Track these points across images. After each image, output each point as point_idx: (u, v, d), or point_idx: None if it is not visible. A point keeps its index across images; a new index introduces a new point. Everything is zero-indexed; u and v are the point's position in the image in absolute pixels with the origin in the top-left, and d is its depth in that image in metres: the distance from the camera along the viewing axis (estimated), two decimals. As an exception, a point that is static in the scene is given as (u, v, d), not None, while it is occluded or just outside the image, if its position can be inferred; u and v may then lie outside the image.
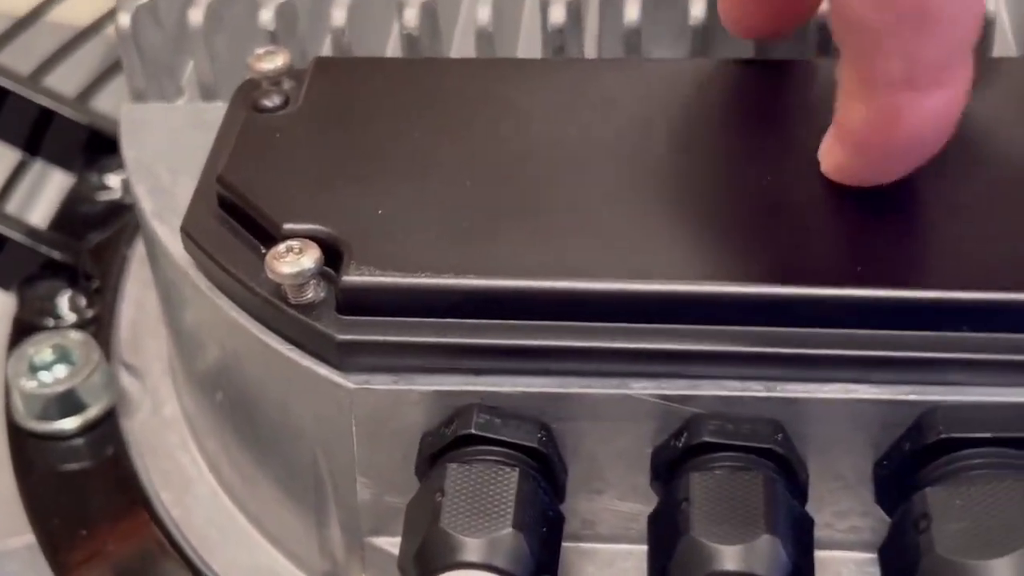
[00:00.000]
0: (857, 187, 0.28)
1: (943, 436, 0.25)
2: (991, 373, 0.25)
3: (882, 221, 0.27)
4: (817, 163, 0.28)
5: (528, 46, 0.36)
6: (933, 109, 0.26)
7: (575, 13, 0.33)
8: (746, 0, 0.31)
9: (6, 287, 0.40)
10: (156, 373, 0.37)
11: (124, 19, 0.34)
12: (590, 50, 0.35)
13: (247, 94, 0.32)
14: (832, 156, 0.28)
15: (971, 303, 0.25)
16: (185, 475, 0.35)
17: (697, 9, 0.32)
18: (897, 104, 0.26)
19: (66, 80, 0.47)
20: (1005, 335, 0.25)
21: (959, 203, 0.27)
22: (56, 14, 0.51)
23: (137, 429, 0.36)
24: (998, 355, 0.25)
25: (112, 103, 0.45)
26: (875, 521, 0.27)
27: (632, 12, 0.32)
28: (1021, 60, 0.33)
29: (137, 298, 0.39)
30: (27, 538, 0.36)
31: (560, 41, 0.33)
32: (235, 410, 0.31)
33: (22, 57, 0.47)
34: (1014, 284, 0.25)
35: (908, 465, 0.26)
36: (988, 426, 0.25)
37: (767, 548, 0.24)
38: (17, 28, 0.49)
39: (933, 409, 0.25)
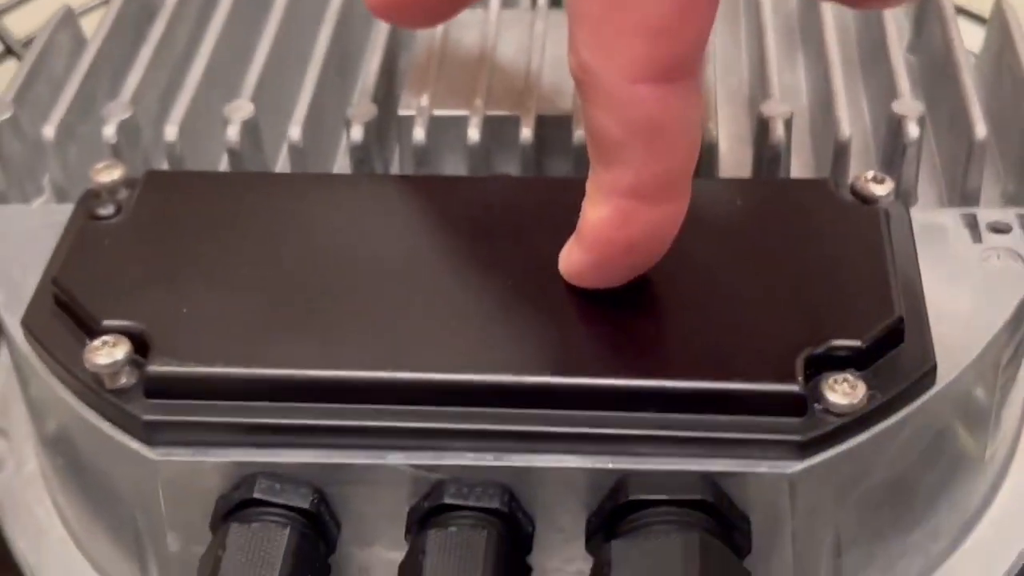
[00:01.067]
0: (586, 290, 0.33)
1: (630, 498, 0.30)
2: (669, 446, 0.31)
3: (598, 321, 0.32)
4: (556, 270, 0.34)
5: (343, 160, 0.41)
6: (656, 220, 0.31)
7: (373, 131, 0.38)
8: None
9: None
10: (22, 435, 0.41)
11: (-13, 134, 0.39)
12: (394, 165, 0.40)
13: (86, 203, 0.36)
14: (569, 259, 0.33)
15: (653, 389, 0.31)
16: (40, 526, 0.39)
17: (473, 132, 0.38)
18: (626, 211, 0.31)
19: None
20: (681, 416, 0.31)
21: (664, 305, 0.33)
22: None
23: (2, 486, 0.40)
24: (675, 432, 0.30)
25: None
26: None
27: (419, 134, 0.38)
28: (732, 181, 0.38)
29: (7, 365, 0.43)
30: None
31: (361, 155, 0.38)
32: (72, 473, 0.36)
33: None
34: (684, 373, 0.31)
35: (606, 522, 0.31)
36: (665, 490, 0.30)
37: (484, 594, 0.30)
38: None
39: (625, 476, 0.31)
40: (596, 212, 0.31)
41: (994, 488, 0.37)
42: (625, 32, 0.29)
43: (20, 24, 0.55)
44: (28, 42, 0.54)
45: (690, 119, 0.30)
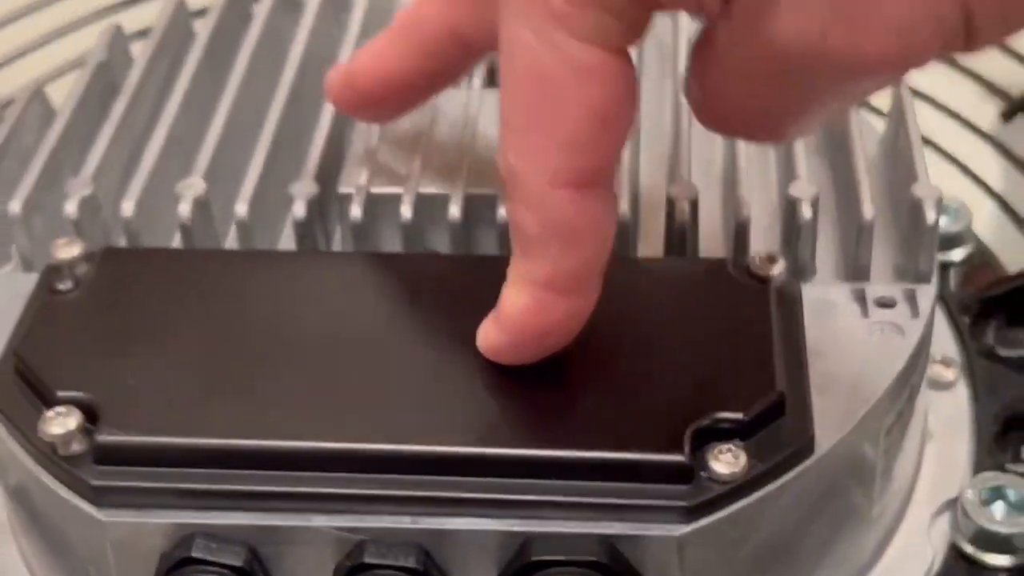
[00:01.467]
0: (501, 365, 0.36)
1: (533, 559, 0.33)
2: (570, 511, 0.33)
3: (509, 394, 0.35)
4: (475, 345, 0.37)
5: (289, 232, 0.43)
6: (568, 310, 0.34)
7: (315, 208, 0.41)
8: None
9: None
10: (-9, 483, 0.45)
11: (-43, 208, 0.42)
12: (336, 239, 0.43)
13: (47, 278, 0.39)
14: (487, 337, 0.36)
15: (556, 459, 0.34)
16: (5, 570, 0.42)
17: (406, 210, 0.41)
18: (540, 300, 0.34)
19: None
20: (581, 483, 0.34)
21: (568, 380, 0.35)
22: None
23: (-26, 531, 0.44)
24: (575, 497, 0.33)
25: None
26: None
27: (356, 211, 0.41)
28: (637, 260, 0.41)
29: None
30: None
31: (303, 231, 0.41)
32: (32, 525, 0.39)
33: None
34: (584, 444, 0.34)
35: (513, 581, 0.34)
36: (565, 551, 0.33)
37: (398, 651, 0.33)
38: None
39: (529, 538, 0.34)
40: (515, 299, 0.34)
41: (884, 542, 0.40)
42: (547, 144, 0.32)
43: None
44: (4, 105, 0.57)
45: (605, 220, 0.33)
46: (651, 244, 0.42)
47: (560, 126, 0.32)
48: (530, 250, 0.34)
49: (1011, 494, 0.40)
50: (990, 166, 0.54)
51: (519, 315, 0.34)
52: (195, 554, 0.34)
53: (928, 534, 0.40)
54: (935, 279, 0.40)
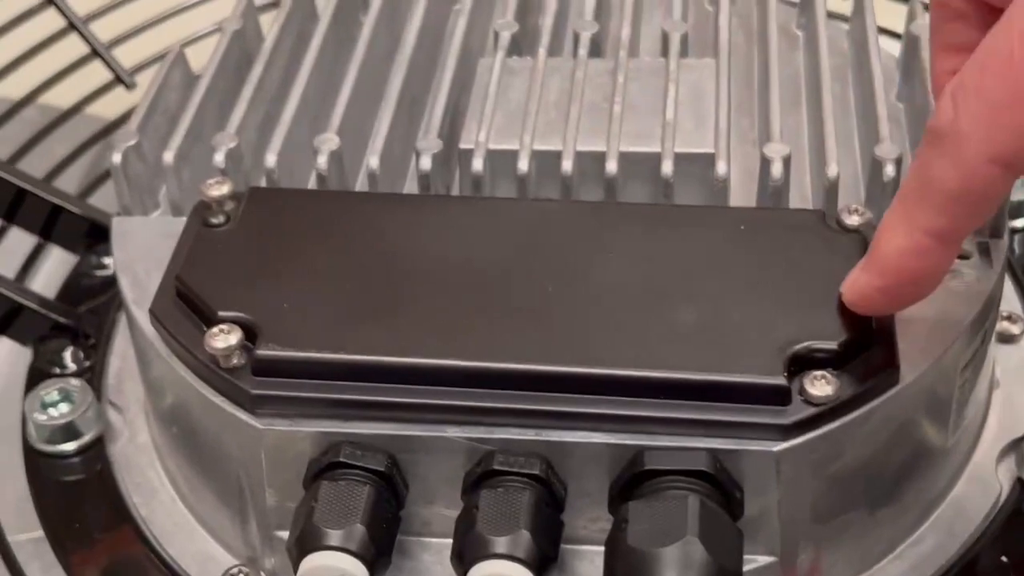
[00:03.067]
0: (611, 297, 0.40)
1: (645, 468, 0.37)
2: (678, 427, 0.37)
3: (624, 322, 0.39)
4: (587, 278, 0.41)
5: (412, 184, 0.47)
6: (939, 261, 0.36)
7: (438, 161, 0.45)
8: None
9: (24, 343, 0.52)
10: (134, 410, 0.49)
11: (116, 157, 0.45)
12: (454, 190, 0.47)
13: (200, 213, 0.44)
14: (856, 283, 0.38)
15: (667, 380, 0.37)
16: (152, 486, 0.46)
17: (522, 164, 0.45)
18: (926, 247, 0.36)
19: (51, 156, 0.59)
20: (688, 402, 0.37)
21: (680, 311, 0.39)
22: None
23: (118, 452, 0.48)
24: (683, 415, 0.37)
25: (106, 200, 0.57)
26: (614, 525, 0.39)
27: (477, 164, 0.45)
28: (741, 209, 0.44)
29: (122, 352, 0.51)
30: (37, 533, 0.46)
31: (427, 182, 0.45)
32: (185, 440, 0.43)
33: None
34: (692, 367, 0.37)
35: (625, 488, 0.38)
36: (674, 462, 0.37)
37: (524, 540, 0.36)
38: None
39: (641, 450, 0.38)
40: (895, 241, 0.36)
41: (957, 472, 0.44)
42: (1012, 125, 0.33)
43: (128, 56, 0.63)
44: (134, 72, 0.62)
45: (1004, 197, 0.36)
46: (743, 201, 0.46)
47: None
48: (934, 202, 0.35)
49: (1072, 434, 0.44)
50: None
51: (898, 257, 0.36)
52: (343, 459, 0.38)
53: (996, 469, 0.44)
54: (1006, 235, 0.43)
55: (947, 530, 0.43)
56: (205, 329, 0.40)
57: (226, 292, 0.40)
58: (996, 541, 0.43)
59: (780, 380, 0.37)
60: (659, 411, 0.38)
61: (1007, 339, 0.48)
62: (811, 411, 0.37)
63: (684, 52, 0.50)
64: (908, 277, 0.37)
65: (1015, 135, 0.33)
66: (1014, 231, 0.52)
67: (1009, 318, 0.48)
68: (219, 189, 0.44)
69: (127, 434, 0.48)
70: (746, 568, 0.38)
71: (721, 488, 0.37)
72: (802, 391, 0.37)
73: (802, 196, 0.46)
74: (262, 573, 0.43)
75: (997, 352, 0.48)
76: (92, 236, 0.54)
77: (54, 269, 0.56)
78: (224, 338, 0.39)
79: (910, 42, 0.49)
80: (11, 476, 0.48)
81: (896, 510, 0.42)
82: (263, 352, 0.39)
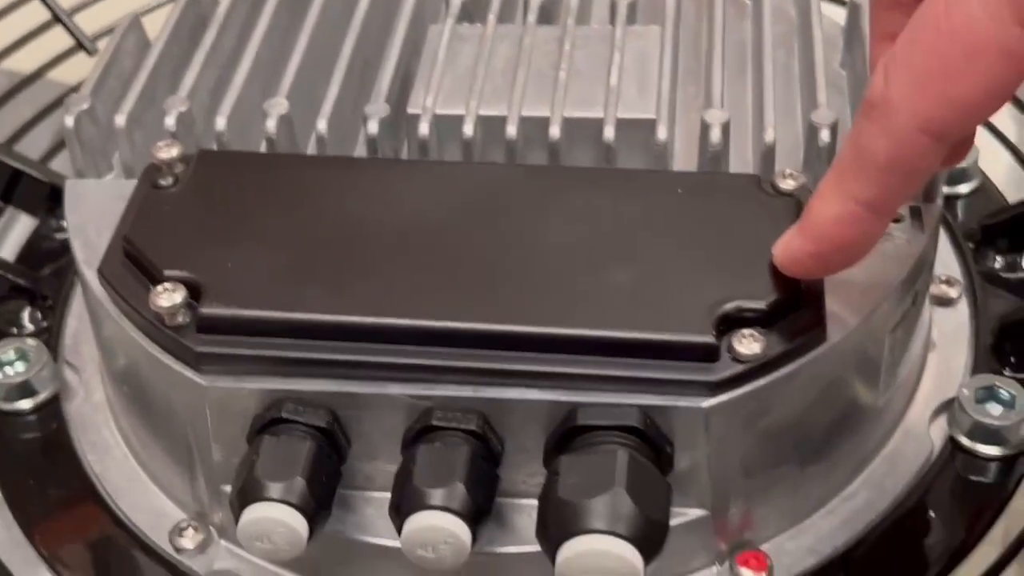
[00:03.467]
0: (552, 257, 0.41)
1: (577, 424, 0.38)
2: (611, 384, 0.38)
3: (560, 281, 0.40)
4: (529, 239, 0.42)
5: (361, 149, 0.48)
6: (870, 230, 0.37)
7: (386, 126, 0.46)
8: None
9: None
10: (90, 370, 0.50)
11: (69, 120, 0.46)
12: (403, 155, 0.48)
13: (149, 175, 0.44)
14: (789, 246, 0.38)
15: (600, 338, 0.38)
16: (106, 444, 0.47)
17: (468, 128, 0.45)
18: (856, 216, 0.36)
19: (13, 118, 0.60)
20: (621, 359, 0.38)
21: (612, 271, 0.40)
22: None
23: (74, 410, 0.49)
24: (616, 372, 0.38)
25: (67, 164, 0.57)
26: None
27: (424, 129, 0.46)
28: (679, 173, 0.45)
29: (79, 314, 0.52)
30: None
31: (375, 146, 0.46)
32: (135, 398, 0.44)
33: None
34: (624, 326, 0.38)
35: (559, 442, 0.39)
36: (606, 418, 0.38)
37: (459, 493, 0.37)
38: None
39: (575, 406, 0.39)
40: (827, 209, 0.37)
41: (890, 430, 0.45)
42: (938, 95, 0.34)
43: (89, 22, 0.63)
44: (96, 38, 0.63)
45: (936, 167, 0.36)
46: (686, 166, 0.46)
47: (964, 87, 0.34)
48: (866, 172, 0.36)
49: (1003, 394, 0.45)
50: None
51: (830, 224, 0.37)
52: (285, 415, 0.39)
53: (928, 428, 0.45)
54: (939, 199, 0.44)
55: (879, 486, 0.44)
56: (151, 288, 0.41)
57: (172, 252, 0.41)
58: (926, 497, 0.44)
59: (709, 338, 0.38)
60: (593, 368, 0.39)
61: (945, 302, 0.49)
62: (739, 368, 0.38)
63: (632, 20, 0.50)
64: (838, 244, 0.37)
65: (942, 104, 0.34)
66: (957, 197, 0.53)
67: (947, 282, 0.50)
68: (168, 152, 0.44)
69: (83, 393, 0.49)
70: (677, 521, 0.40)
71: (651, 443, 0.38)
72: (730, 349, 0.38)
73: (743, 161, 0.47)
74: (211, 527, 0.44)
75: (934, 315, 0.49)
76: (52, 200, 0.55)
77: (16, 233, 0.56)
78: (169, 296, 0.40)
79: (852, 10, 0.50)
80: (-32, 434, 0.49)
81: (827, 466, 0.43)
82: (207, 310, 0.40)
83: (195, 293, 0.40)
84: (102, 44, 0.63)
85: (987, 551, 0.44)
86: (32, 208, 0.56)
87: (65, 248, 0.54)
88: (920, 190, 0.38)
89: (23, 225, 0.57)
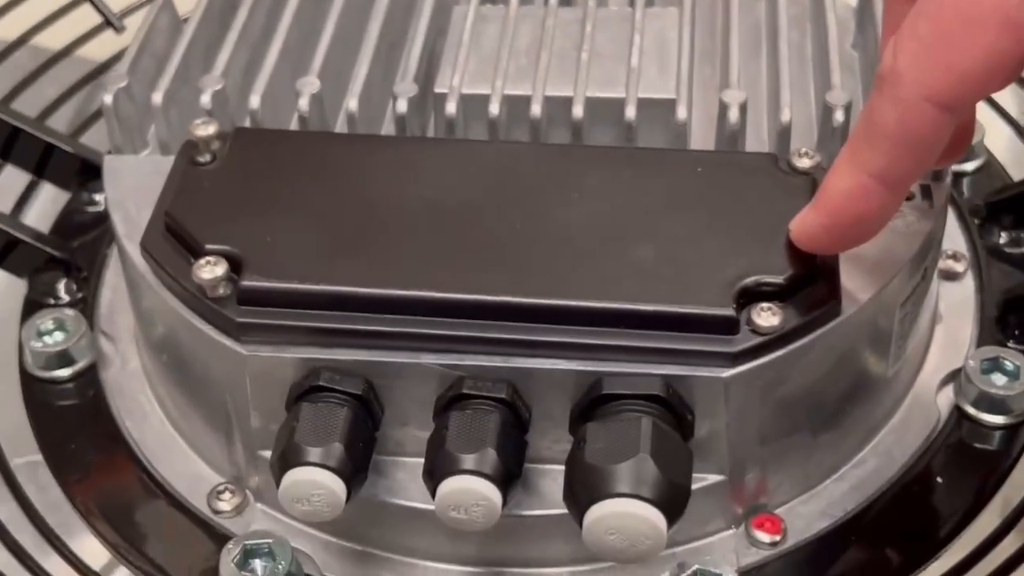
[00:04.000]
0: (577, 233, 0.43)
1: (603, 393, 0.40)
2: (635, 355, 0.40)
3: (588, 257, 0.41)
4: (556, 215, 0.43)
5: (389, 127, 0.50)
6: (884, 203, 0.38)
7: (414, 105, 0.48)
8: None
9: (20, 276, 0.54)
10: (125, 339, 0.51)
11: (108, 98, 0.48)
12: (429, 133, 0.49)
13: (188, 152, 0.46)
14: (804, 221, 0.40)
15: (625, 311, 0.40)
16: (143, 410, 0.49)
17: (494, 107, 0.47)
18: (866, 186, 0.38)
19: (42, 96, 0.61)
20: (645, 331, 0.40)
21: (637, 247, 0.41)
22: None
23: (111, 378, 0.50)
24: (640, 343, 0.40)
25: (97, 139, 0.59)
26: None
27: (451, 107, 0.47)
28: (697, 152, 0.47)
29: (113, 285, 0.53)
30: (35, 456, 0.49)
31: (403, 124, 0.48)
32: (174, 367, 0.46)
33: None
34: (648, 299, 0.40)
35: (584, 411, 0.41)
36: (630, 387, 0.40)
37: (490, 457, 0.39)
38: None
39: (600, 376, 0.40)
40: (841, 182, 0.38)
41: (898, 400, 0.47)
42: (945, 65, 0.35)
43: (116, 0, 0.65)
44: (123, 15, 0.64)
45: (945, 140, 0.37)
46: (704, 144, 0.48)
47: (965, 56, 0.35)
48: (877, 144, 0.37)
49: (1008, 364, 0.47)
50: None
51: (843, 198, 0.38)
52: (322, 383, 0.41)
53: (935, 398, 0.47)
54: (948, 178, 0.46)
55: (887, 454, 0.46)
56: (193, 261, 0.42)
57: (213, 226, 0.43)
58: (933, 464, 0.46)
59: (729, 311, 0.40)
60: (617, 340, 0.40)
61: (951, 276, 0.51)
62: (757, 340, 0.40)
63: (650, 2, 0.52)
64: (852, 217, 0.39)
65: (946, 72, 0.36)
66: (963, 174, 0.55)
67: (954, 256, 0.51)
68: (206, 129, 0.46)
69: (118, 362, 0.51)
70: (696, 486, 0.41)
71: (673, 411, 0.40)
72: (749, 322, 0.40)
73: (759, 140, 0.49)
74: (247, 490, 0.46)
75: (941, 288, 0.51)
76: (84, 174, 0.56)
77: (46, 206, 0.57)
78: (211, 269, 0.42)
79: (865, -7, 0.52)
80: (9, 402, 0.50)
81: (839, 434, 0.45)
82: (247, 283, 0.41)
83: (235, 266, 0.42)
84: (129, 22, 0.64)
85: (989, 519, 0.46)
86: (64, 182, 0.57)
87: (97, 221, 0.56)
88: (931, 165, 0.39)
89: (48, 198, 0.58)
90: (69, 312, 0.51)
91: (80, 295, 0.53)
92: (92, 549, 0.47)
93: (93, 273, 0.54)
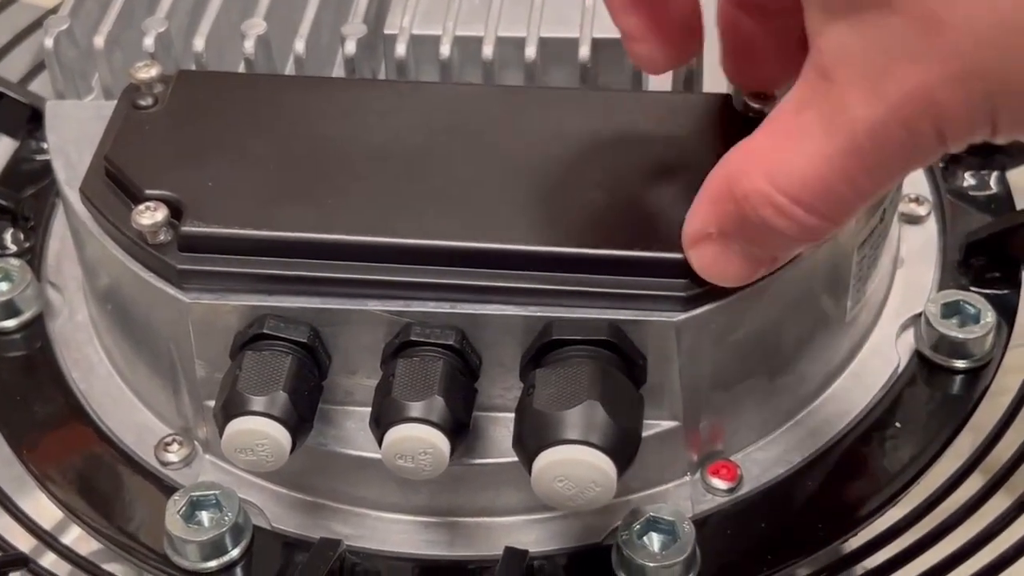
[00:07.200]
0: (527, 177, 0.42)
1: (553, 338, 0.39)
2: (585, 299, 0.39)
3: (537, 201, 0.40)
4: (505, 159, 0.42)
5: (338, 70, 0.49)
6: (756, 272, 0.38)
7: (363, 46, 0.46)
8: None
9: None
10: (72, 289, 0.50)
11: (48, 41, 0.47)
12: (380, 75, 0.48)
13: (129, 95, 0.45)
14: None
15: (575, 255, 0.39)
16: (90, 361, 0.48)
17: (445, 49, 0.46)
18: (751, 260, 0.37)
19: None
20: (595, 276, 0.39)
21: (586, 191, 0.41)
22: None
23: (58, 329, 0.49)
24: (590, 288, 0.39)
25: (48, 86, 0.57)
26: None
27: (401, 49, 0.46)
28: (653, 93, 0.46)
29: (61, 234, 0.52)
30: None
31: (352, 66, 0.46)
32: (119, 316, 0.45)
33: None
34: (599, 244, 0.39)
35: (535, 357, 0.40)
36: (580, 332, 0.39)
37: (438, 405, 0.39)
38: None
39: (550, 321, 0.39)
40: (719, 261, 0.38)
41: (858, 345, 0.46)
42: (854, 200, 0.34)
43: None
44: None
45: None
46: (661, 85, 0.47)
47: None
48: (765, 240, 0.36)
49: (969, 308, 0.46)
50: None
51: (708, 268, 0.38)
52: (267, 331, 0.40)
53: (895, 343, 0.47)
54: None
55: (846, 399, 0.46)
56: (132, 207, 0.41)
57: (153, 171, 0.42)
58: (892, 409, 0.45)
59: (680, 255, 0.39)
60: (567, 284, 0.39)
61: (913, 220, 0.50)
62: (709, 284, 0.39)
63: (607, -60, 0.51)
64: (720, 279, 0.38)
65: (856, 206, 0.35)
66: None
67: (916, 200, 0.51)
68: (148, 72, 0.45)
69: (66, 312, 0.50)
70: (650, 432, 0.41)
71: (624, 356, 0.39)
72: (701, 265, 0.39)
73: (717, 81, 0.47)
74: (195, 441, 0.45)
75: (903, 232, 0.50)
76: (33, 121, 0.55)
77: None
78: (151, 215, 0.41)
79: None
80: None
81: (796, 380, 0.44)
82: (188, 228, 0.40)
83: (176, 212, 0.41)
84: (79, -34, 0.62)
85: (949, 464, 0.45)
86: (12, 130, 0.55)
87: (46, 170, 0.55)
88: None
89: (1, 147, 0.57)
90: (15, 262, 0.50)
91: (27, 244, 0.52)
92: (39, 502, 0.46)
93: (41, 222, 0.53)
